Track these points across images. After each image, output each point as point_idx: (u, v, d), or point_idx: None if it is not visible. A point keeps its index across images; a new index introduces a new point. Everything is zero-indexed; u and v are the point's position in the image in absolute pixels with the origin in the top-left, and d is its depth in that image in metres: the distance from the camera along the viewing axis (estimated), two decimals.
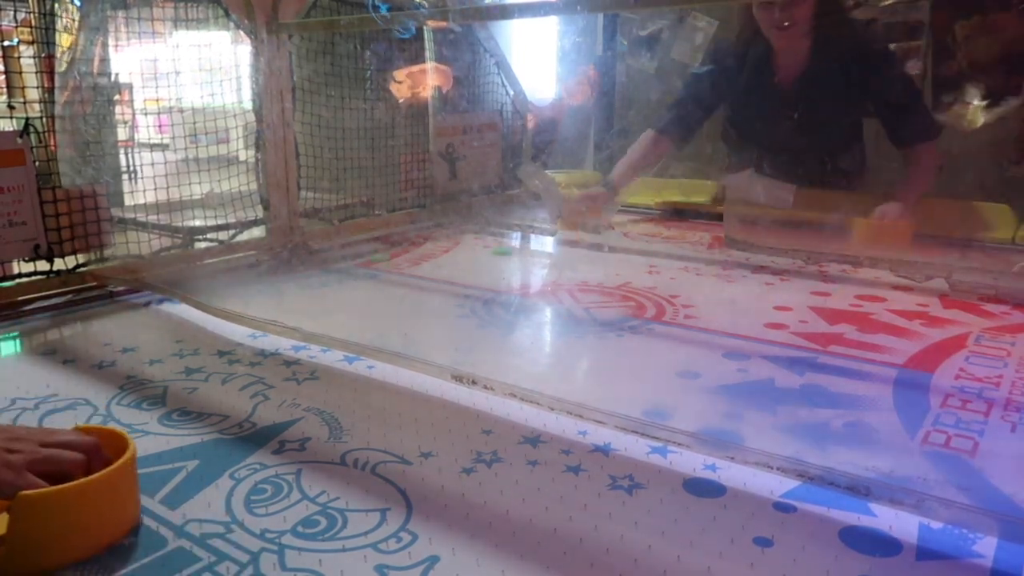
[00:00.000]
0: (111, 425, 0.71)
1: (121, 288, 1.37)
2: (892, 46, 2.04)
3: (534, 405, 0.87)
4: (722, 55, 1.99)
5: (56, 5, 1.30)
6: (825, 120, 1.83)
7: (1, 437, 0.63)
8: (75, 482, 0.62)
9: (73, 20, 1.31)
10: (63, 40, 1.31)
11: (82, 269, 1.35)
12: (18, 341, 1.16)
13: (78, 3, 1.31)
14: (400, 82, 1.92)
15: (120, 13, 1.40)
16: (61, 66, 1.31)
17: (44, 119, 1.31)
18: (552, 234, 1.91)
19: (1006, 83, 1.93)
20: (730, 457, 0.76)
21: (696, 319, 1.25)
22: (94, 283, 1.36)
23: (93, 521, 0.63)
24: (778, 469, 0.71)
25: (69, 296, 1.33)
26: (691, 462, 0.78)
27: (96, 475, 0.63)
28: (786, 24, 1.77)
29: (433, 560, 0.62)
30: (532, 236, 1.94)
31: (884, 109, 1.80)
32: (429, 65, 1.97)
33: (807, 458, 0.75)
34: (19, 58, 1.37)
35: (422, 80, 1.96)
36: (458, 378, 0.93)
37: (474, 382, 0.91)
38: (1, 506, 0.64)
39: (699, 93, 1.99)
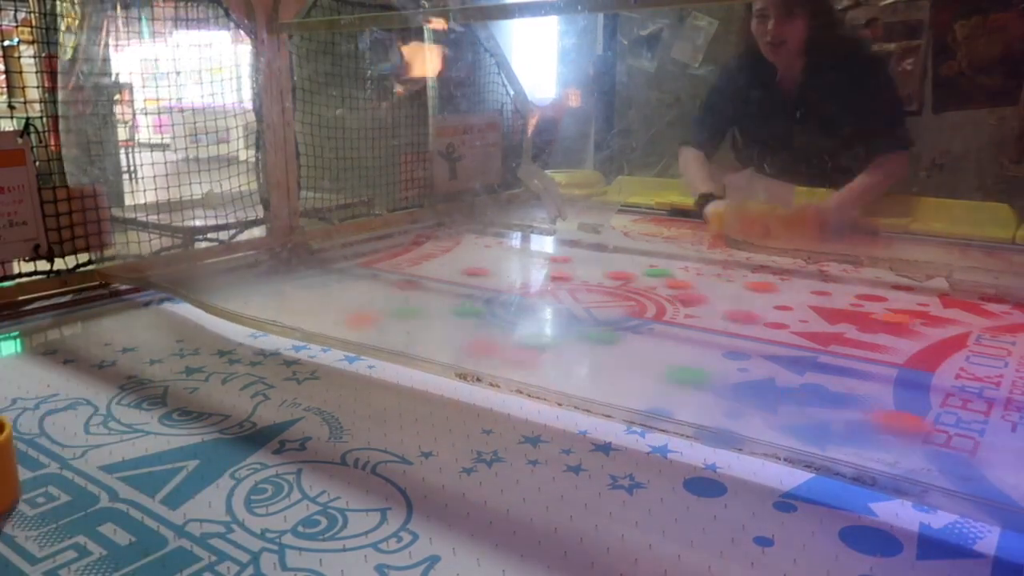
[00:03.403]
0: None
1: (123, 287, 1.37)
2: (892, 46, 2.06)
3: (538, 401, 0.87)
4: (732, 69, 2.09)
5: (58, 4, 1.30)
6: (825, 127, 1.87)
7: None
8: None
9: (75, 19, 1.31)
10: (65, 39, 1.31)
11: (83, 269, 1.35)
12: (18, 341, 1.16)
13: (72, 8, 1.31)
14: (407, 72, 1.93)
15: (120, 13, 1.40)
16: (63, 65, 1.31)
17: (44, 119, 1.31)
18: (552, 234, 1.91)
19: (1006, 83, 1.93)
20: (738, 449, 0.76)
21: (696, 319, 1.25)
22: (96, 282, 1.36)
23: None
24: (785, 460, 0.72)
25: (70, 296, 1.33)
26: (692, 462, 0.78)
27: None
28: (779, 42, 1.88)
29: (433, 560, 0.62)
30: (532, 236, 1.94)
31: (864, 118, 1.86)
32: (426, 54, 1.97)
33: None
34: (19, 58, 1.37)
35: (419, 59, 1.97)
36: (462, 376, 0.92)
37: (478, 379, 0.91)
38: None
39: (716, 108, 2.10)
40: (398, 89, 1.93)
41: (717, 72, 2.21)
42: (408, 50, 1.95)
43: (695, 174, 2.06)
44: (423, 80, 1.98)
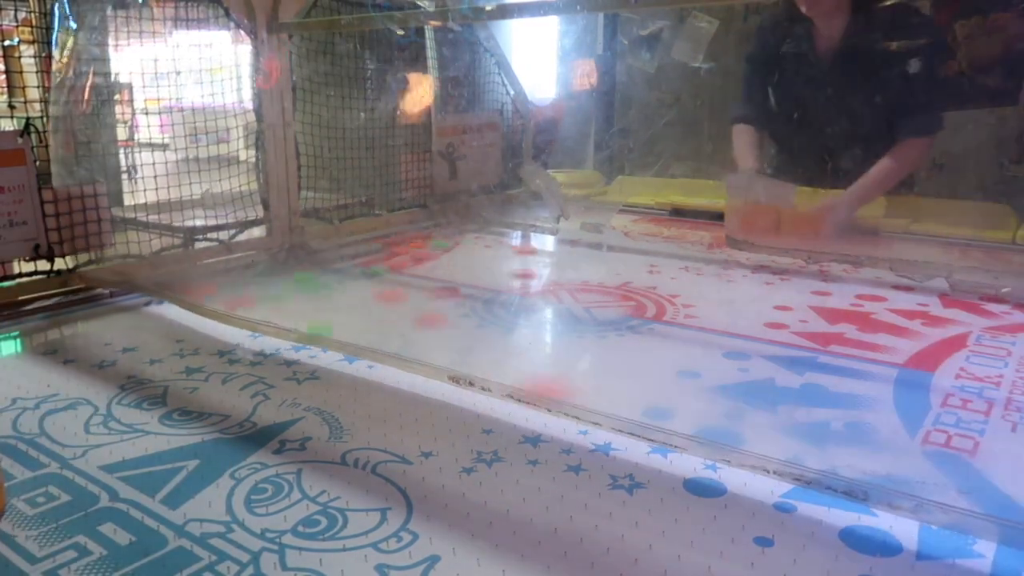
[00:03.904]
0: None
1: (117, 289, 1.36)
2: (892, 45, 2.03)
3: (531, 407, 0.87)
4: (768, 30, 1.93)
5: (56, 5, 1.30)
6: (857, 98, 1.75)
7: None
8: None
9: (68, 19, 1.31)
10: (61, 40, 1.31)
11: (82, 269, 1.35)
12: (18, 341, 1.16)
13: (67, 9, 1.31)
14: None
15: (120, 13, 1.39)
16: (57, 66, 1.31)
17: (44, 119, 1.31)
18: (555, 233, 1.91)
19: (1006, 83, 1.93)
20: (727, 461, 0.76)
21: (696, 319, 1.25)
22: (82, 285, 1.34)
23: None
24: (774, 473, 0.71)
25: (70, 296, 1.32)
26: (691, 462, 0.78)
27: None
28: None
29: (434, 560, 0.62)
30: (532, 235, 1.94)
31: (897, 96, 1.71)
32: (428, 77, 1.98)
33: (807, 458, 0.75)
34: (19, 58, 1.37)
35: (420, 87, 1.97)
36: (455, 379, 0.92)
37: (471, 383, 0.90)
38: None
39: (753, 75, 1.96)
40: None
41: (752, 36, 2.03)
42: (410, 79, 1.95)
43: (740, 149, 1.92)
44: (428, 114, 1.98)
